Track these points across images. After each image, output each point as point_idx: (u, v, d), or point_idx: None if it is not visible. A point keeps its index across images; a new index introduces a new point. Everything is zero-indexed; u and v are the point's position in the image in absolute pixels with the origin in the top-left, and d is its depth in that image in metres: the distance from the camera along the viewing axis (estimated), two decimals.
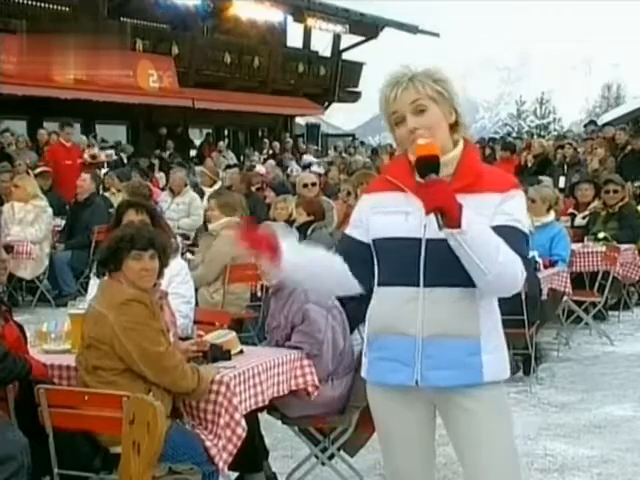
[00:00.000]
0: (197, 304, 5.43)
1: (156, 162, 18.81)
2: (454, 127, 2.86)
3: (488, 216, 2.74)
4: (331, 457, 4.67)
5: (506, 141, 20.10)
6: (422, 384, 2.82)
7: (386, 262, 2.89)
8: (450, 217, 2.60)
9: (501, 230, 2.72)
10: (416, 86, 2.79)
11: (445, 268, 2.75)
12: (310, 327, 4.47)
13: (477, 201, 2.72)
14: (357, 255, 2.94)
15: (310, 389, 4.43)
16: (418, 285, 2.80)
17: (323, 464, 4.66)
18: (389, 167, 3.04)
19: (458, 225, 2.60)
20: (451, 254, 2.70)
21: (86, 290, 6.28)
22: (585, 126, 24.29)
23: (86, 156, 14.83)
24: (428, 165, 2.66)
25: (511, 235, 2.74)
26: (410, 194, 2.82)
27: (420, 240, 2.79)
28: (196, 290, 7.41)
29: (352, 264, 2.94)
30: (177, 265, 5.13)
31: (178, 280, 5.10)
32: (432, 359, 2.80)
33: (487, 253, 2.66)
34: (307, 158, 21.26)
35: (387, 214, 2.86)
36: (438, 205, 2.60)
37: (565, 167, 15.11)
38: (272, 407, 4.52)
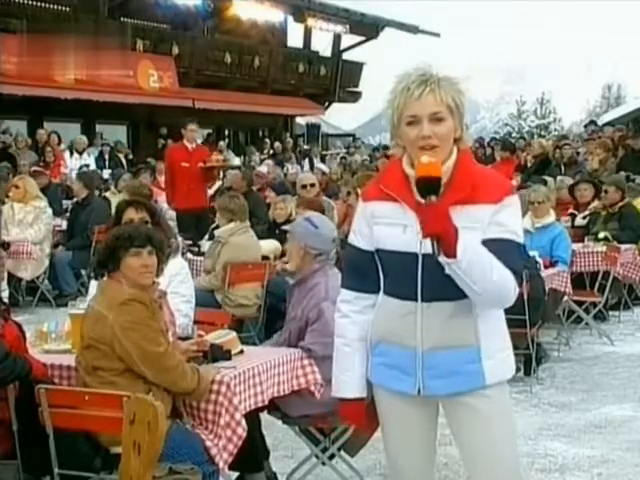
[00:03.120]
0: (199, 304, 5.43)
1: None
2: (455, 141, 2.85)
3: (482, 228, 2.74)
4: (331, 457, 4.66)
5: (506, 141, 20.08)
6: (424, 393, 2.85)
7: (387, 273, 2.90)
8: (446, 245, 2.62)
9: (495, 243, 2.72)
10: (441, 92, 2.75)
11: (442, 283, 2.76)
12: (324, 327, 4.44)
13: (471, 213, 2.72)
14: (368, 265, 2.94)
15: (313, 388, 4.42)
16: (416, 300, 2.81)
17: (323, 464, 4.66)
18: (383, 175, 3.00)
19: (454, 254, 2.61)
20: None
21: (87, 290, 6.29)
22: (585, 126, 24.27)
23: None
24: (429, 185, 2.64)
25: (504, 248, 2.74)
26: (407, 207, 2.81)
27: (417, 255, 2.79)
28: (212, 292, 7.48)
29: (364, 274, 2.95)
30: (177, 264, 5.12)
31: (178, 279, 5.10)
32: (433, 370, 2.82)
33: (481, 276, 2.67)
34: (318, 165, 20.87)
35: (386, 226, 2.85)
36: (436, 232, 2.61)
37: (563, 167, 15.10)
38: (273, 407, 4.51)
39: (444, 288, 2.76)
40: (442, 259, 2.64)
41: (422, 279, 2.79)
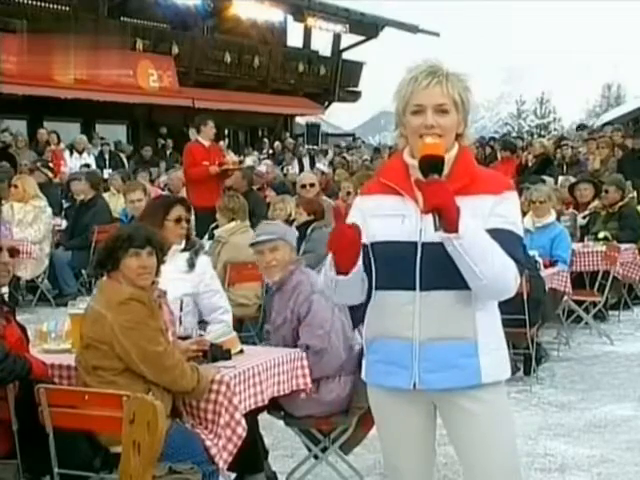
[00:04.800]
0: None
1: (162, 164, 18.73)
2: (457, 137, 2.86)
3: (482, 218, 2.74)
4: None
5: (507, 141, 20.06)
6: (420, 387, 2.83)
7: (382, 266, 2.87)
8: (448, 219, 2.60)
9: (495, 233, 2.71)
10: (448, 85, 2.78)
11: (441, 271, 2.75)
12: (315, 319, 4.46)
13: (472, 203, 2.71)
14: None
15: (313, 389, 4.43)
16: (414, 289, 2.79)
17: (322, 462, 4.66)
18: (384, 169, 3.01)
19: (455, 229, 2.60)
20: (447, 257, 2.69)
21: (86, 290, 6.30)
22: (577, 129, 24.20)
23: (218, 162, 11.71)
24: (432, 165, 2.65)
25: (505, 238, 2.73)
26: (407, 197, 2.81)
27: (416, 244, 2.78)
28: None
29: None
30: (204, 262, 5.17)
31: (209, 275, 5.18)
32: (429, 362, 2.80)
33: (482, 258, 2.65)
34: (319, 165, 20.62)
35: (384, 217, 2.84)
36: (437, 205, 2.59)
37: (564, 167, 15.11)
38: (273, 406, 4.51)
39: (443, 277, 2.75)
40: (444, 235, 2.62)
41: (420, 268, 2.77)
